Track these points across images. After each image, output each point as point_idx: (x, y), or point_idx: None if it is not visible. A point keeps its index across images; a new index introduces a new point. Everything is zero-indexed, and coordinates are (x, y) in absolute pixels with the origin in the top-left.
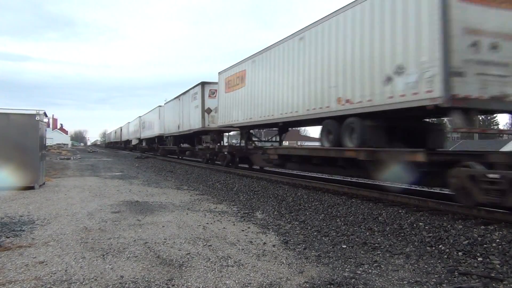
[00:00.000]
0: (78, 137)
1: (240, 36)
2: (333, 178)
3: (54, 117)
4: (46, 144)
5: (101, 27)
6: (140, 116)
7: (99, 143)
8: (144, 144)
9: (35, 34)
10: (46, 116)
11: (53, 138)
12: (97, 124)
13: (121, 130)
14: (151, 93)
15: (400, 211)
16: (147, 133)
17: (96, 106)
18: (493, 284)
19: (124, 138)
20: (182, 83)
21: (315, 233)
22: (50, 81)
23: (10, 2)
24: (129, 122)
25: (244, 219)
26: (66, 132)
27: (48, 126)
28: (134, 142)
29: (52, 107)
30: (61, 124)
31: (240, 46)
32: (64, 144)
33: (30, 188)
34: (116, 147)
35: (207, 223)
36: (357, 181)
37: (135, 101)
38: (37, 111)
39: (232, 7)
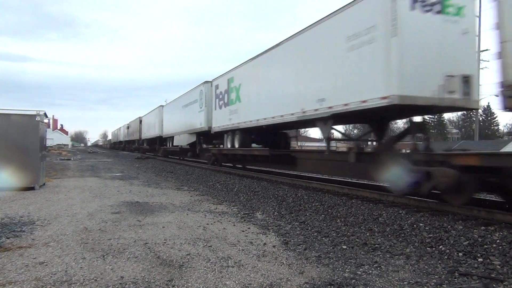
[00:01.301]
0: (79, 138)
1: (241, 36)
2: (333, 179)
3: (55, 117)
4: (47, 145)
5: (102, 28)
6: (203, 86)
7: (101, 143)
8: (228, 143)
9: (36, 34)
10: (47, 116)
11: (53, 138)
12: (97, 124)
13: (140, 122)
14: (151, 94)
15: (400, 211)
16: (245, 117)
17: (96, 106)
18: (494, 285)
19: (149, 134)
20: (183, 84)
21: (315, 234)
22: (50, 82)
23: (10, 2)
24: (162, 106)
25: (245, 220)
26: (66, 132)
27: (49, 127)
28: (180, 142)
29: (53, 108)
30: (62, 125)
31: (241, 47)
32: (65, 145)
33: (31, 188)
34: (130, 148)
35: (207, 224)
36: (358, 181)
37: (136, 101)
38: (38, 112)
39: (233, 8)
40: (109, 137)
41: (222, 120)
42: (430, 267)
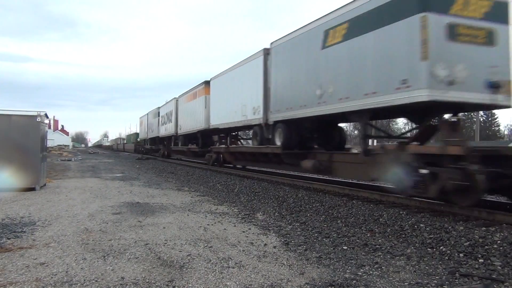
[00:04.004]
0: (79, 138)
1: (242, 36)
2: (334, 179)
3: (55, 118)
4: (47, 146)
5: (103, 28)
6: None
7: (107, 143)
8: None
9: (36, 34)
10: (47, 117)
11: (54, 139)
12: (98, 125)
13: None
14: (152, 94)
15: (401, 212)
16: None
17: (97, 107)
18: (494, 286)
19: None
20: (184, 84)
21: (316, 235)
22: (51, 82)
23: (10, 3)
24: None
25: (245, 221)
26: (67, 133)
27: (49, 128)
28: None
29: (53, 108)
30: (62, 126)
31: (242, 47)
32: (65, 146)
33: (31, 189)
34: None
35: (208, 225)
36: (358, 182)
37: (137, 102)
38: (38, 112)
39: (235, 8)
40: (128, 130)
41: None
42: (431, 267)
